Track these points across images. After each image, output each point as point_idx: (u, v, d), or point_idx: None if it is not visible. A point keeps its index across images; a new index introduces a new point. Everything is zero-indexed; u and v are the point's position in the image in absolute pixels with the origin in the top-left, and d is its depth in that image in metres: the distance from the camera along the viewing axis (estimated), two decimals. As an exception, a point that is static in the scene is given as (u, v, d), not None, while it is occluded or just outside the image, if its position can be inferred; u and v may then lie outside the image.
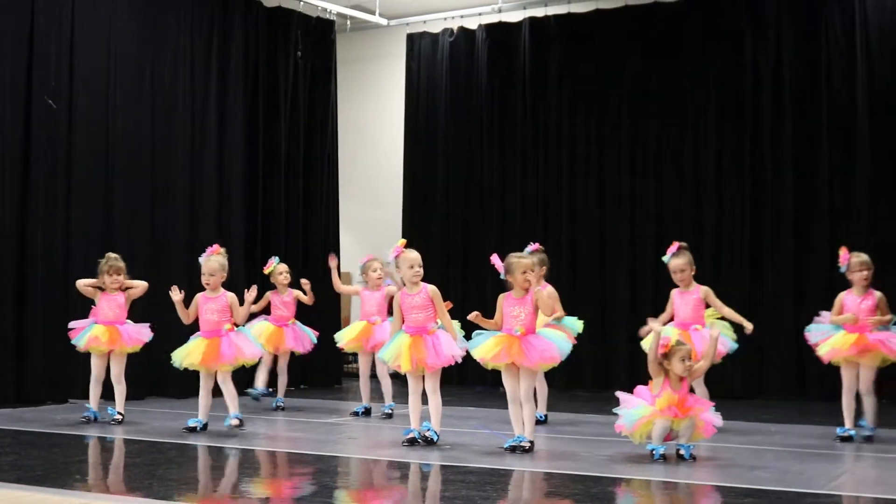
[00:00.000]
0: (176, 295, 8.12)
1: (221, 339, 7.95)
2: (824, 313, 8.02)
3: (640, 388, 6.98)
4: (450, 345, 7.32)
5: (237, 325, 8.20)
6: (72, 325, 8.81)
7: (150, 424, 8.56)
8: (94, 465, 7.01)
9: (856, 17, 11.03)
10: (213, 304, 8.06)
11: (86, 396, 8.84)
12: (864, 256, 7.82)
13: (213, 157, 11.40)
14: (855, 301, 7.76)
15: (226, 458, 7.02)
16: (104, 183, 10.46)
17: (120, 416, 8.59)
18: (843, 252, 7.90)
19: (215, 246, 8.34)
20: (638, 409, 6.83)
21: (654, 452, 6.71)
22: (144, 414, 9.17)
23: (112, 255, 8.84)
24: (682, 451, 6.72)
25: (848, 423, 7.76)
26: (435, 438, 7.32)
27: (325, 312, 12.69)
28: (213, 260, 8.13)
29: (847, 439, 7.67)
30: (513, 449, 7.06)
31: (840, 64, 11.13)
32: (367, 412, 9.41)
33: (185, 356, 8.01)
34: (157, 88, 10.99)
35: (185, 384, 10.53)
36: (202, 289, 11.03)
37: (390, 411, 9.26)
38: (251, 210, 11.77)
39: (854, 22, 11.04)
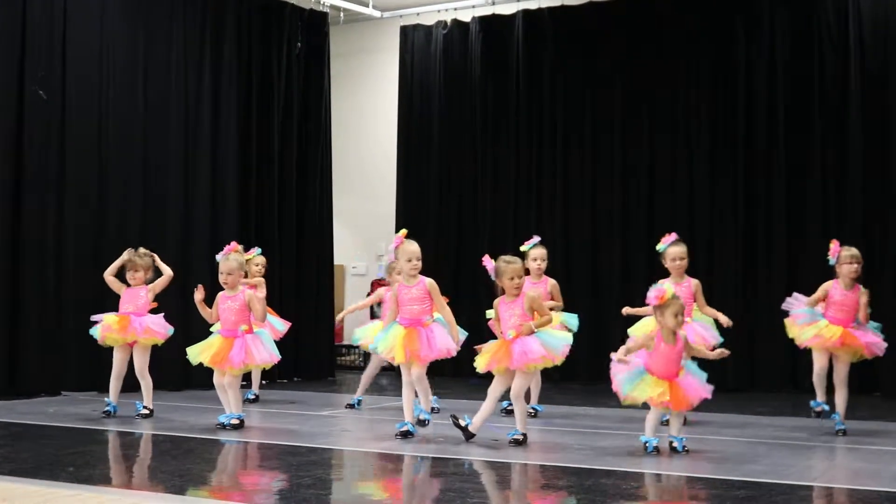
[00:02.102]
0: (198, 294, 7.93)
1: (235, 340, 7.77)
2: (798, 294, 8.04)
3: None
4: (444, 338, 7.34)
5: (261, 321, 8.10)
6: (94, 318, 8.67)
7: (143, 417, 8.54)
8: (87, 457, 6.99)
9: (849, 10, 11.04)
10: (231, 302, 7.86)
11: (78, 388, 8.83)
12: (854, 250, 7.80)
13: (207, 150, 11.37)
14: (842, 294, 7.76)
15: (220, 451, 7.02)
16: (97, 175, 10.43)
17: (147, 411, 8.49)
18: (833, 244, 7.90)
19: (233, 244, 8.13)
20: (634, 374, 6.76)
21: (647, 445, 6.71)
22: (138, 407, 9.15)
23: (142, 251, 8.70)
24: (675, 444, 6.73)
25: (820, 396, 7.79)
26: (427, 418, 7.37)
27: (318, 306, 12.73)
28: (232, 259, 7.92)
29: (821, 414, 7.70)
30: (455, 420, 7.19)
31: (833, 57, 11.14)
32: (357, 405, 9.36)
33: (199, 353, 7.88)
34: (150, 81, 10.96)
35: (179, 377, 10.57)
36: (195, 283, 11.03)
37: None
38: (244, 203, 11.74)
39: (847, 15, 11.05)
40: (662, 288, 6.87)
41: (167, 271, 8.76)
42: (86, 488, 5.46)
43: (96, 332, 8.53)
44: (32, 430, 7.69)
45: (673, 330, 6.77)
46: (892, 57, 10.86)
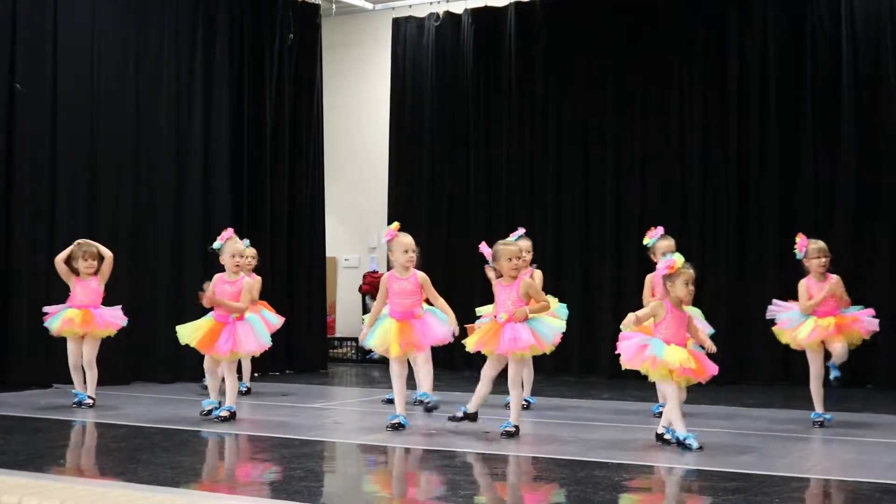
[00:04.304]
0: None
1: (225, 326, 7.73)
2: (778, 301, 8.06)
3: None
4: (439, 326, 7.33)
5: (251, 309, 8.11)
6: (46, 309, 8.73)
7: (134, 409, 8.53)
8: (78, 449, 6.99)
9: (842, 8, 11.04)
10: (230, 287, 7.81)
11: (69, 381, 8.79)
12: (821, 243, 7.81)
13: (198, 141, 11.34)
14: (818, 287, 7.77)
15: (212, 444, 7.01)
16: (88, 167, 10.41)
17: (91, 401, 8.56)
18: (800, 239, 7.90)
19: (229, 230, 8.12)
20: (657, 343, 6.60)
21: (688, 443, 6.51)
22: (129, 399, 9.14)
23: (83, 240, 8.75)
24: (668, 436, 6.70)
25: (819, 408, 7.78)
26: (433, 400, 7.40)
27: (310, 299, 12.72)
28: (239, 241, 7.95)
29: (822, 424, 7.70)
30: (455, 419, 7.27)
31: (826, 54, 11.14)
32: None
33: (188, 333, 7.83)
34: (142, 73, 10.93)
35: (171, 369, 10.56)
36: (186, 274, 11.01)
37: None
38: (236, 195, 11.72)
39: (840, 12, 11.05)
40: (672, 259, 6.74)
41: (108, 254, 8.77)
42: (77, 480, 5.45)
43: (54, 324, 8.54)
44: (24, 422, 7.67)
45: (682, 300, 6.72)
46: (883, 54, 10.86)
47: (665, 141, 11.85)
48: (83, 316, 8.50)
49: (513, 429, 7.09)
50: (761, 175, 11.34)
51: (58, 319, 8.56)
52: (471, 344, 7.22)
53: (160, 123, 11.04)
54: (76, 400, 8.54)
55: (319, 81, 13.10)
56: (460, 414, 7.33)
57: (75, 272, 8.68)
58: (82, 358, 8.66)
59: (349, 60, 14.43)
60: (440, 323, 7.35)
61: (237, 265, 7.88)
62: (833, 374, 7.73)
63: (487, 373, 7.30)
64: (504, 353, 7.08)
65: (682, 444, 6.57)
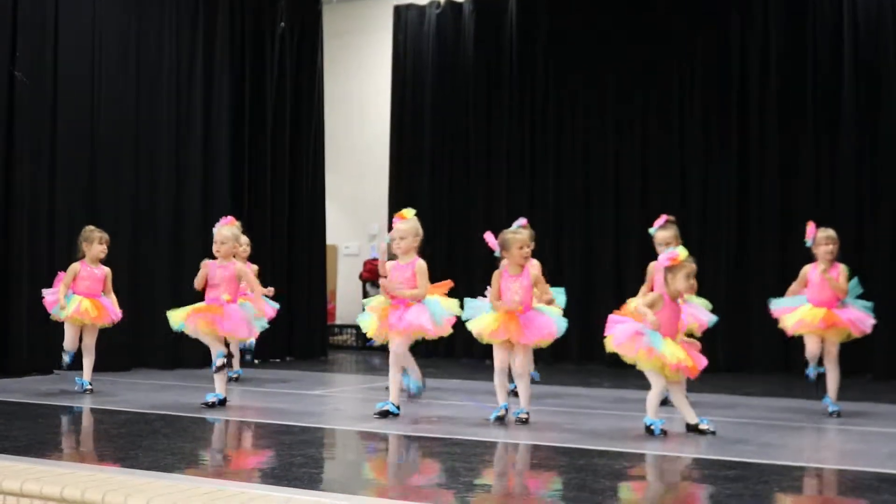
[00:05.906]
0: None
1: (222, 308, 7.73)
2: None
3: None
4: (420, 316, 7.23)
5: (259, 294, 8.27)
6: (46, 293, 8.71)
7: (135, 395, 8.54)
8: (80, 435, 7.00)
9: (843, 1, 11.03)
10: (221, 272, 7.82)
11: (70, 367, 8.80)
12: (830, 231, 7.86)
13: (199, 129, 11.34)
14: (817, 274, 7.79)
15: (212, 430, 7.02)
16: (89, 154, 10.40)
17: (91, 387, 8.61)
18: (810, 226, 7.94)
19: (230, 217, 8.15)
20: (653, 335, 6.60)
21: (653, 428, 6.61)
22: (130, 385, 9.15)
23: (90, 226, 8.79)
24: (703, 425, 6.69)
25: (813, 364, 7.83)
26: (416, 389, 7.50)
27: (310, 287, 12.73)
28: (226, 229, 7.92)
29: (819, 377, 7.76)
30: (499, 420, 7.07)
31: (827, 48, 11.14)
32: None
33: (177, 314, 7.83)
34: (142, 60, 10.91)
35: (170, 355, 10.57)
36: (186, 261, 11.03)
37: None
38: (237, 183, 11.72)
39: (842, 6, 11.03)
40: (675, 251, 6.74)
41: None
42: (78, 466, 5.45)
43: (70, 306, 8.51)
44: (24, 408, 7.68)
45: (681, 293, 6.72)
46: (884, 51, 10.85)
47: (667, 130, 11.86)
48: (94, 305, 8.53)
49: (525, 415, 7.11)
50: (763, 165, 11.36)
51: (70, 307, 8.54)
52: (485, 331, 7.11)
53: (160, 112, 11.02)
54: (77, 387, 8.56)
55: (320, 69, 13.09)
56: (524, 416, 7.21)
57: (82, 256, 8.66)
58: (80, 342, 8.67)
59: (350, 48, 14.42)
60: (424, 314, 7.23)
61: (217, 252, 7.87)
62: (831, 409, 7.73)
63: (503, 362, 7.23)
64: (531, 342, 7.07)
65: (647, 429, 6.63)
